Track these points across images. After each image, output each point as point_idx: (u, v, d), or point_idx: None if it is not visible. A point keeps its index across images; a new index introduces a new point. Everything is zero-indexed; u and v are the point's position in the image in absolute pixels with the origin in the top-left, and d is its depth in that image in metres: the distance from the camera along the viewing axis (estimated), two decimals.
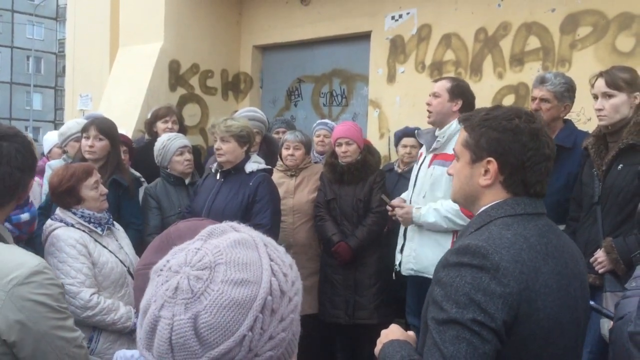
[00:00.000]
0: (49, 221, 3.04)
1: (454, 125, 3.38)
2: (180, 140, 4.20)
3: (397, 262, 3.65)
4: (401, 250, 3.61)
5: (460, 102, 3.45)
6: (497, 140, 1.52)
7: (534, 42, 4.80)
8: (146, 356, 0.87)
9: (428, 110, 3.51)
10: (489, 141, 1.54)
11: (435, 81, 3.66)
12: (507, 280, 1.38)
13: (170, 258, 0.91)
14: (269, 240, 0.96)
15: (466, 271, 1.40)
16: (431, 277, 3.37)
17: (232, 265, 0.86)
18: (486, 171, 1.55)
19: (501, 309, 1.36)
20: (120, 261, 3.10)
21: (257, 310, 0.84)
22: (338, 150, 4.22)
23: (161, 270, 0.90)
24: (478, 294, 1.37)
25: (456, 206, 3.18)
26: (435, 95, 3.49)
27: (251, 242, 0.93)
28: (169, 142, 4.13)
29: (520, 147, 1.51)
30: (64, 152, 4.57)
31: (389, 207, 3.62)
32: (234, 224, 0.98)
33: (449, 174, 1.73)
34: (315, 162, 4.71)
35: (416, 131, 3.82)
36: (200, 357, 0.83)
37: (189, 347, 0.82)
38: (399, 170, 4.68)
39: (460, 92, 3.47)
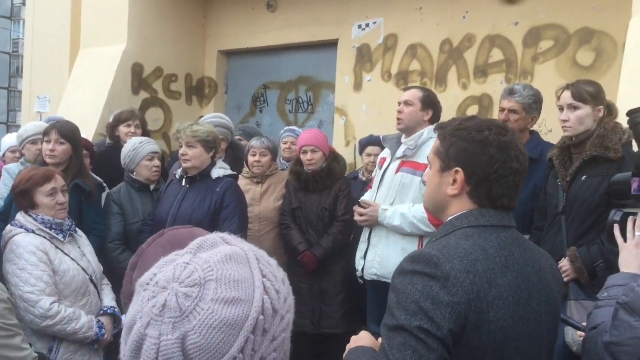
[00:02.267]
0: (8, 227, 2.96)
1: (425, 134, 3.42)
2: (152, 145, 4.08)
3: (359, 268, 3.63)
4: (364, 256, 3.60)
5: (431, 112, 3.51)
6: (465, 151, 1.53)
7: (497, 55, 4.91)
8: None
9: (398, 118, 3.52)
10: (457, 151, 1.54)
11: (405, 89, 3.69)
12: (456, 290, 1.37)
13: (157, 271, 0.87)
14: (261, 254, 0.93)
15: (418, 279, 1.40)
16: None
17: (223, 282, 0.83)
18: (454, 181, 1.55)
19: (448, 318, 1.36)
20: (83, 269, 3.02)
21: (248, 330, 0.81)
22: (303, 158, 4.19)
23: (147, 284, 0.85)
24: (427, 302, 1.36)
25: (425, 213, 3.21)
26: (407, 103, 3.51)
27: (243, 257, 0.89)
28: (140, 145, 3.99)
29: (487, 159, 1.51)
30: (22, 155, 4.44)
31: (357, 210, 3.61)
32: (225, 235, 0.94)
33: (424, 182, 1.73)
34: (282, 169, 4.67)
35: (381, 136, 3.83)
36: None
37: None
38: (364, 179, 4.69)
39: (432, 103, 3.53)
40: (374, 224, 3.52)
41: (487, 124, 1.56)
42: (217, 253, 0.88)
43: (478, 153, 1.51)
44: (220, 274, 0.83)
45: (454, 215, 1.56)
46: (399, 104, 3.57)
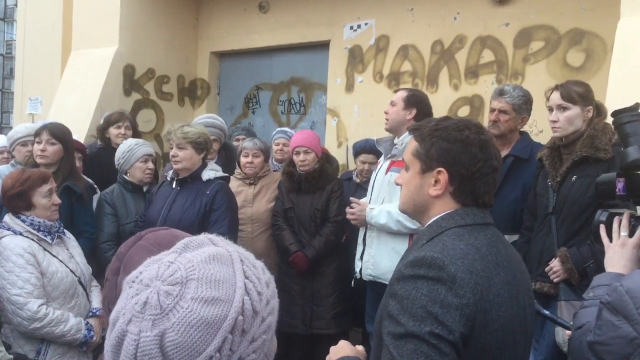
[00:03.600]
0: None
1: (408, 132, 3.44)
2: (147, 148, 4.11)
3: (357, 269, 3.65)
4: (361, 257, 3.61)
5: (414, 111, 3.48)
6: (448, 151, 1.52)
7: (488, 56, 4.92)
8: None
9: (386, 118, 3.57)
10: (439, 151, 1.54)
11: (396, 91, 3.72)
12: (464, 292, 1.36)
13: (143, 269, 0.89)
14: (247, 255, 0.94)
15: (422, 283, 1.38)
16: (387, 283, 3.41)
17: (204, 281, 0.84)
18: (436, 181, 1.55)
19: (459, 321, 1.35)
20: (71, 271, 3.01)
21: (226, 330, 0.82)
22: (296, 158, 4.19)
23: (133, 282, 0.88)
24: (435, 307, 1.34)
25: None
26: (392, 104, 3.55)
27: (227, 257, 0.90)
28: (136, 146, 4.02)
29: (470, 158, 1.51)
30: (12, 156, 4.43)
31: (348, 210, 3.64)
32: (213, 236, 0.95)
33: (397, 184, 1.71)
34: (275, 171, 4.67)
35: (376, 139, 3.84)
36: None
37: None
38: (358, 181, 4.68)
39: (415, 102, 3.51)
40: (363, 223, 3.54)
41: (465, 123, 1.57)
42: (202, 253, 0.89)
43: (460, 152, 1.52)
44: (202, 274, 0.85)
45: (438, 216, 1.56)
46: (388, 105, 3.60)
